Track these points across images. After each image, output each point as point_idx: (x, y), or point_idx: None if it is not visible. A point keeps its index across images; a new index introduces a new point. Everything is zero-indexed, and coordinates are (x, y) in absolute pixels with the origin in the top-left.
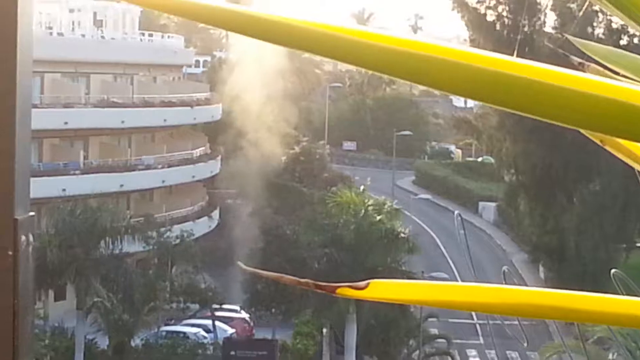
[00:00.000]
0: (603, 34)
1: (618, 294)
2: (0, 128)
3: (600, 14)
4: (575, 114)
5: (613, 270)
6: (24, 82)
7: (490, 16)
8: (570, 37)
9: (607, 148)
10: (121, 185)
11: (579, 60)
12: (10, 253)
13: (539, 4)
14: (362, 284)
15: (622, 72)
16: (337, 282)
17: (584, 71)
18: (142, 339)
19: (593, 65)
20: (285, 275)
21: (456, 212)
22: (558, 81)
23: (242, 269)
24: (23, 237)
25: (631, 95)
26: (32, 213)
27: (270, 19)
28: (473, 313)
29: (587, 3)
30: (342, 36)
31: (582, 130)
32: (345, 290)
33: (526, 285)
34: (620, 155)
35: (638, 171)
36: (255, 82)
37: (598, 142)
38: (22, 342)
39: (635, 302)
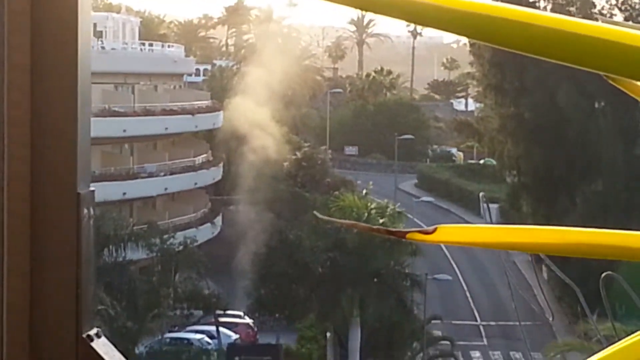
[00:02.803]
0: None
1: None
2: (63, 108)
3: (599, 17)
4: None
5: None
6: (84, 74)
7: None
8: (599, 17)
9: None
10: (124, 194)
11: None
12: (74, 226)
13: (539, 7)
14: (430, 229)
15: None
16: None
17: None
18: (146, 347)
19: None
20: (359, 223)
21: (481, 193)
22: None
23: (318, 217)
24: (85, 211)
25: None
26: (92, 188)
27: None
28: (476, 314)
29: None
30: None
31: (626, 90)
32: (415, 235)
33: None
34: None
35: None
36: (256, 89)
37: None
38: (86, 310)
39: None
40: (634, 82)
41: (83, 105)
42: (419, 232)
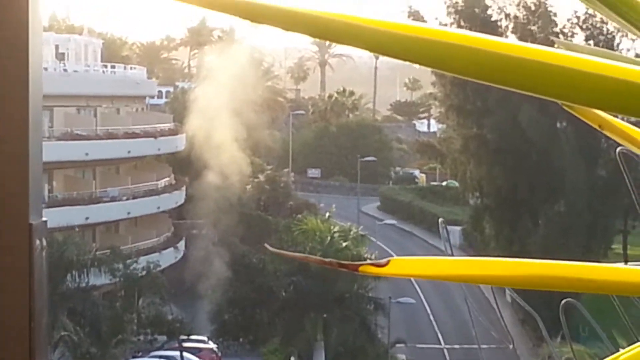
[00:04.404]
0: None
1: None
2: (15, 136)
3: (561, 35)
4: (590, 94)
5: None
6: (36, 95)
7: None
8: (556, 39)
9: (606, 132)
10: (86, 218)
11: None
12: (26, 257)
13: (500, 27)
14: (383, 261)
15: None
16: (357, 263)
17: None
18: None
19: None
20: (310, 256)
21: (440, 219)
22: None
23: (270, 250)
24: (37, 242)
25: (633, 74)
26: (44, 218)
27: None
28: (440, 338)
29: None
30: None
31: (581, 117)
32: (367, 268)
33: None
34: (618, 139)
35: (621, 152)
36: (219, 111)
37: (596, 127)
38: (39, 343)
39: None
40: (590, 109)
41: (35, 131)
42: (372, 264)
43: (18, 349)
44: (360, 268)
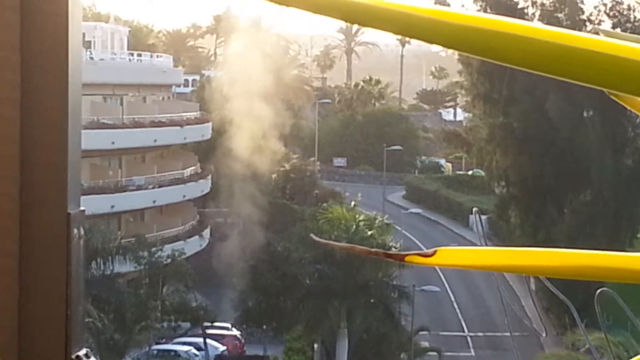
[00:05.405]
0: None
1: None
2: (54, 126)
3: (588, 23)
4: None
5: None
6: (75, 85)
7: None
8: (599, 28)
9: None
10: (112, 206)
11: None
12: (63, 246)
13: (527, 14)
14: (429, 251)
15: None
16: (404, 252)
17: None
18: (133, 359)
19: None
20: (356, 246)
21: (475, 208)
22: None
23: (315, 240)
24: (75, 231)
25: None
26: (82, 208)
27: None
28: (464, 325)
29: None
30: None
31: (628, 106)
32: (414, 258)
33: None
34: None
35: None
36: (244, 100)
37: None
38: (75, 330)
39: None
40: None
41: (74, 122)
42: (418, 254)
43: (54, 337)
44: (407, 258)
